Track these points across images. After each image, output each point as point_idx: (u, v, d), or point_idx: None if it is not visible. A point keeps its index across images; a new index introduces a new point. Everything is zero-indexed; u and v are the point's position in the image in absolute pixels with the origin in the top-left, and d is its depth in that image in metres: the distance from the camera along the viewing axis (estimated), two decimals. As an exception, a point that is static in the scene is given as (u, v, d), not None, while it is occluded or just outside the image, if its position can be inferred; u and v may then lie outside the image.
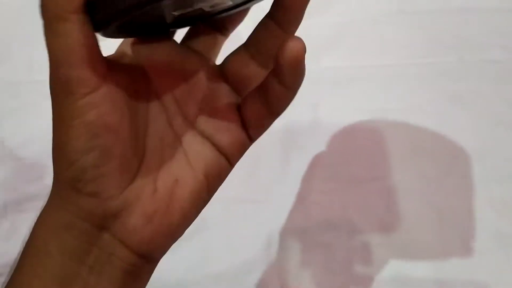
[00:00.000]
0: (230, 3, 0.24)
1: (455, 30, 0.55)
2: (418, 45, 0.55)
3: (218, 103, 0.26)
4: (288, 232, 0.45)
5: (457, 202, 0.44)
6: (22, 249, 0.24)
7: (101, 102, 0.22)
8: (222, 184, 0.28)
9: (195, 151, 0.26)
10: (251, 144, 0.27)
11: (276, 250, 0.44)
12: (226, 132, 0.26)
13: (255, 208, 0.47)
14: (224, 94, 0.26)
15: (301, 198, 0.46)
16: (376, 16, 0.58)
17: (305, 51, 0.23)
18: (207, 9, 0.24)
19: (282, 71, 0.23)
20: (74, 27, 0.20)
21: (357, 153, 0.48)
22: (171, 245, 0.26)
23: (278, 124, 0.49)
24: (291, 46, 0.23)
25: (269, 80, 0.24)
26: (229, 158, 0.26)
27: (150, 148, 0.25)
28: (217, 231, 0.46)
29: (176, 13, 0.24)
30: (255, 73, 0.26)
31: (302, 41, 0.23)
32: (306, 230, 0.45)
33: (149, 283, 0.44)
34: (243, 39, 0.26)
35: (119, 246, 0.24)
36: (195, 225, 0.47)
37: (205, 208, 0.48)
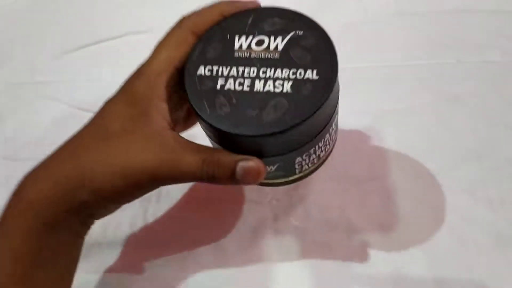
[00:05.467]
0: None
1: (454, 31, 0.56)
2: (417, 47, 0.55)
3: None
4: (287, 231, 0.45)
5: (455, 202, 0.45)
6: None
7: None
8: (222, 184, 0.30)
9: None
10: None
11: (276, 249, 0.44)
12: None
13: (255, 208, 0.47)
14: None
15: (300, 198, 0.47)
16: (374, 18, 0.58)
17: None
18: None
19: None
20: None
21: (356, 154, 0.48)
22: None
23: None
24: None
25: None
26: None
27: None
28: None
29: None
30: None
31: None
32: (305, 229, 0.45)
33: (149, 282, 0.44)
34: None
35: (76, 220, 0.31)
36: (195, 224, 0.47)
37: (205, 207, 0.48)
